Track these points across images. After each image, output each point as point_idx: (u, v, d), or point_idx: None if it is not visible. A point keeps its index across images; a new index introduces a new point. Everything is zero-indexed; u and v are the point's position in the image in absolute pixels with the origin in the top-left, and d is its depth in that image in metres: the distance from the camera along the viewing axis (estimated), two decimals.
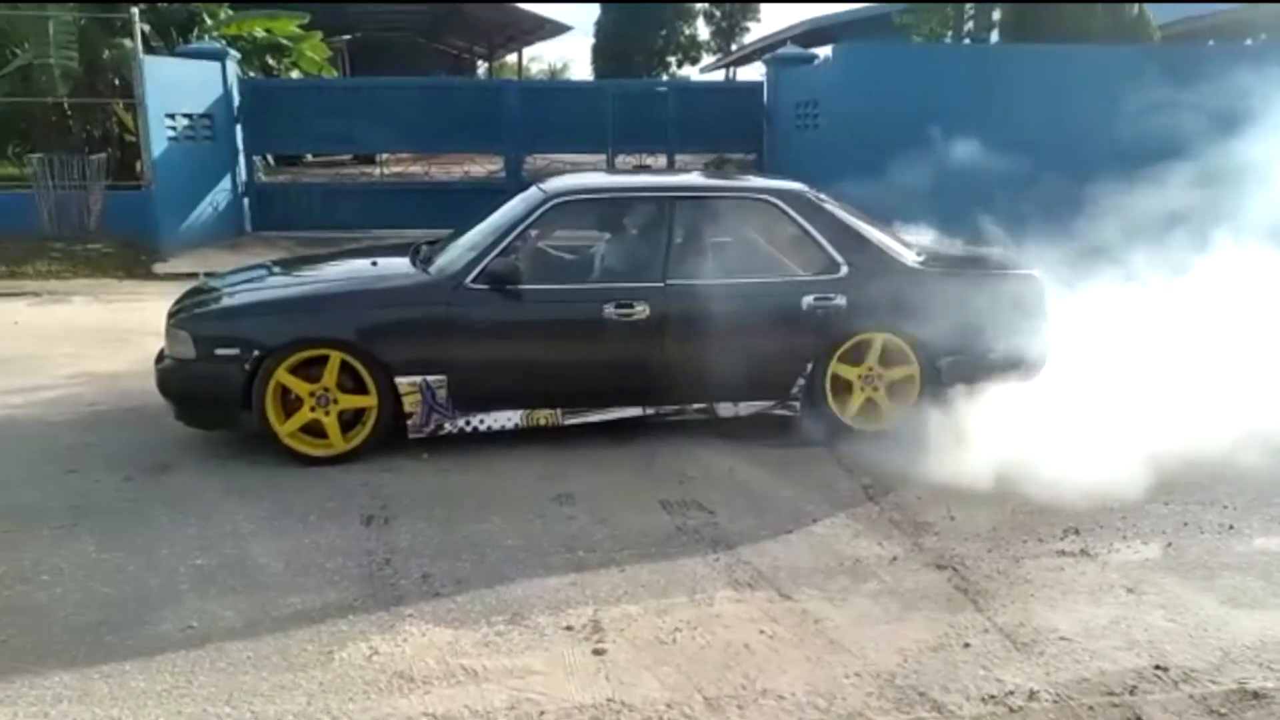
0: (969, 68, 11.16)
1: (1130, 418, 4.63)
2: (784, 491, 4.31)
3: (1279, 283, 5.62)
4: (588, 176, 6.00)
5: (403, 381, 4.53)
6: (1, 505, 4.09)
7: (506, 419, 4.71)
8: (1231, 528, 3.93)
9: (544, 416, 4.74)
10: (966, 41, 15.65)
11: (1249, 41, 17.25)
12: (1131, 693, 2.83)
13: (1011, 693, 2.82)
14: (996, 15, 15.01)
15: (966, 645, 3.07)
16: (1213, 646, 3.08)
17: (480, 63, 38.75)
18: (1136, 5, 13.03)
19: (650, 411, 4.81)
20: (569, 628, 3.16)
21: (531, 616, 3.22)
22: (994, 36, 15.21)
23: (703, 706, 2.76)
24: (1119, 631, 3.15)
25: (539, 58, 44.13)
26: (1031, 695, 2.82)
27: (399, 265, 5.09)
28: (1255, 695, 2.83)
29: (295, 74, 14.77)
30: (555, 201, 4.89)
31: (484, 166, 14.91)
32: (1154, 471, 4.26)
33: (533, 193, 5.13)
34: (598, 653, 3.01)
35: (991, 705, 2.77)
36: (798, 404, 4.92)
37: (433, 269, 4.86)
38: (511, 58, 39.01)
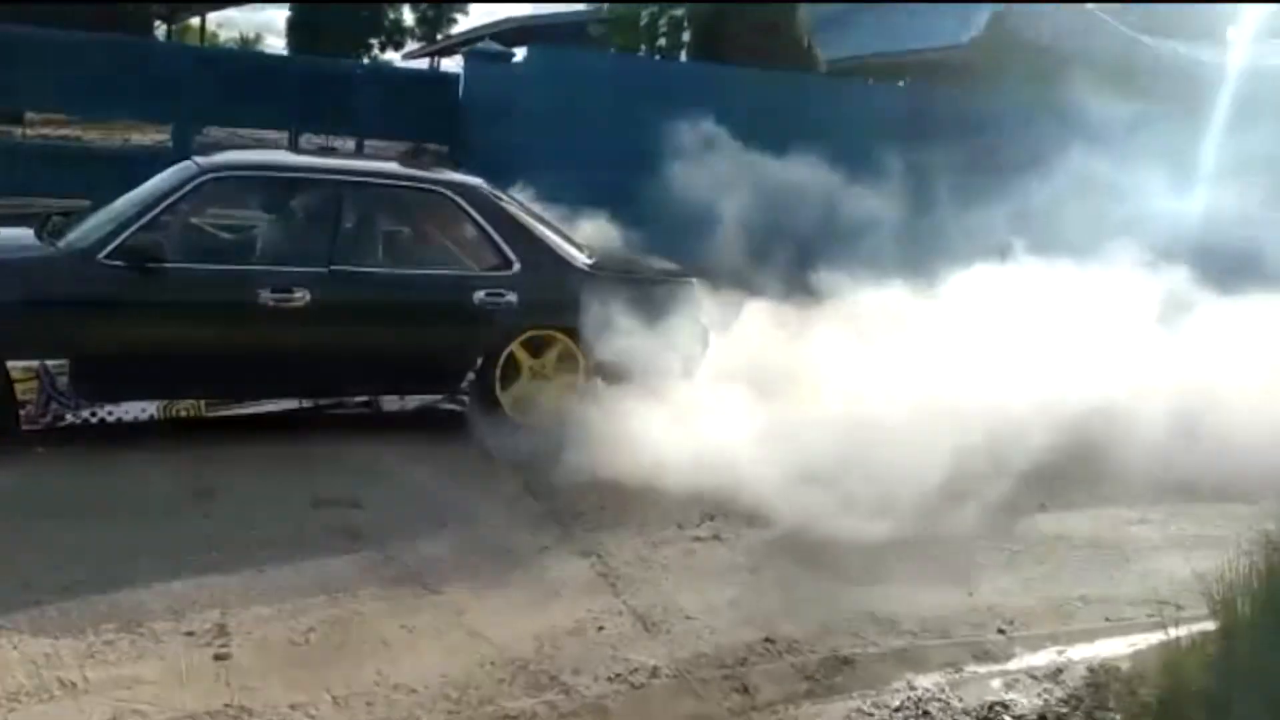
0: (652, 81, 11.69)
1: (781, 417, 4.96)
2: (444, 486, 4.28)
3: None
4: (254, 153, 5.68)
5: (15, 366, 4.02)
6: None
7: (140, 410, 4.31)
8: (847, 510, 4.35)
9: (185, 408, 4.38)
10: (657, 58, 16.44)
11: (900, 83, 19.50)
12: (742, 664, 3.10)
13: (636, 670, 2.99)
14: (687, 36, 15.91)
15: (601, 629, 3.22)
16: (815, 619, 3.42)
17: (158, 23, 35.33)
18: (806, 38, 14.36)
19: (308, 404, 4.61)
20: (190, 633, 2.96)
21: (147, 623, 2.98)
22: (683, 56, 16.12)
23: (330, 706, 2.69)
24: (738, 609, 3.43)
25: (229, 23, 40.77)
26: (654, 672, 3.00)
27: (18, 236, 4.54)
28: (845, 661, 3.19)
29: None
30: (209, 176, 4.58)
31: (150, 135, 13.61)
32: (795, 462, 4.53)
33: (187, 166, 4.76)
34: (219, 658, 2.85)
35: (616, 684, 2.92)
36: (466, 398, 4.92)
37: (61, 242, 4.37)
38: (195, 20, 35.95)
